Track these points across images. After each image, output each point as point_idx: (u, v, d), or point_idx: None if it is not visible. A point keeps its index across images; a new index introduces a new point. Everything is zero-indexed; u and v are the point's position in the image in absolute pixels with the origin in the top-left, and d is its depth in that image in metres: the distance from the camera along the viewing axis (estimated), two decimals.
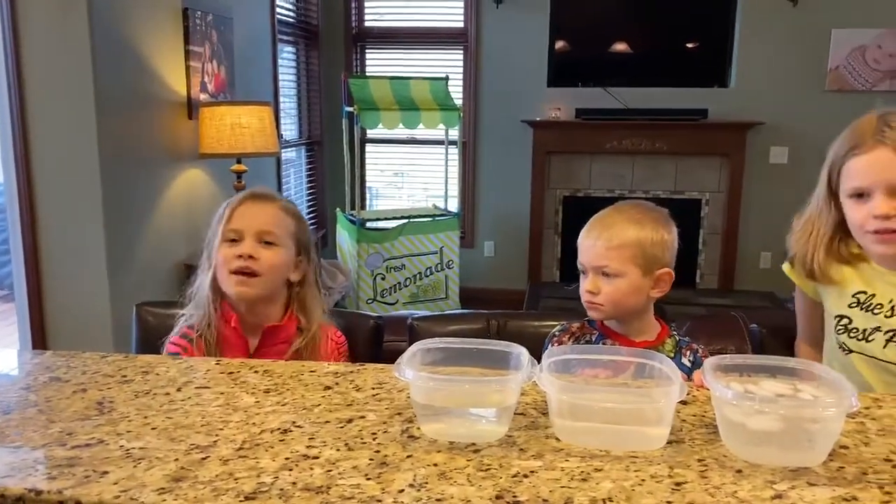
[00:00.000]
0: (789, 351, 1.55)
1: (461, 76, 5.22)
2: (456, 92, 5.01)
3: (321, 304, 1.49)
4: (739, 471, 0.84)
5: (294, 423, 0.96)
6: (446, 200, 4.91)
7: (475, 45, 5.13)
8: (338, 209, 4.76)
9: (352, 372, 1.15)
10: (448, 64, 5.26)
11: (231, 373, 1.15)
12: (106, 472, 0.83)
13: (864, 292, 1.36)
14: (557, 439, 0.91)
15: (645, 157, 5.03)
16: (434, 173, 5.34)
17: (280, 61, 4.49)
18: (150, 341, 1.54)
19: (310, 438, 0.91)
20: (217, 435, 0.92)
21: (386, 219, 4.73)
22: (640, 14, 5.09)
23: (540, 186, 5.14)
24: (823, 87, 4.83)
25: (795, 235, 1.44)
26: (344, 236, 4.58)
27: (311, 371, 1.15)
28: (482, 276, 5.30)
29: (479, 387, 0.92)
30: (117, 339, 2.81)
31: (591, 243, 1.34)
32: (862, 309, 1.37)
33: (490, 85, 5.17)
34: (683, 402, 1.02)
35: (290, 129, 4.92)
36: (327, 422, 0.96)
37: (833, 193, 1.35)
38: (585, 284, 1.35)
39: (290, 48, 4.87)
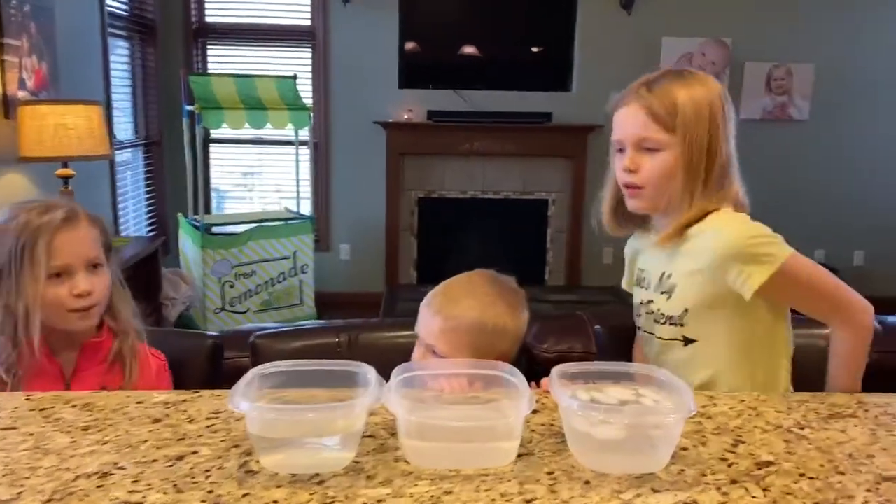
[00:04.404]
0: (630, 345, 1.59)
1: (310, 76, 5.10)
2: (305, 92, 4.88)
3: (130, 303, 1.37)
4: (587, 482, 0.84)
5: (116, 464, 0.86)
6: (298, 203, 4.77)
7: (323, 44, 5.02)
8: (180, 214, 4.49)
9: (185, 401, 1.05)
10: (296, 63, 5.11)
11: (43, 409, 1.02)
12: None
13: (643, 269, 1.40)
14: (407, 462, 0.88)
15: (495, 158, 5.13)
16: (286, 175, 5.18)
17: (112, 57, 4.16)
18: None
19: (133, 482, 0.82)
20: (22, 485, 0.81)
21: (234, 223, 4.52)
22: (487, 18, 5.18)
23: (395, 188, 5.12)
24: None
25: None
26: (187, 243, 4.33)
27: (138, 402, 1.05)
28: (339, 280, 5.20)
29: (323, 414, 0.86)
30: None
31: (430, 316, 1.27)
32: (640, 286, 1.40)
33: (341, 85, 5.08)
34: (533, 411, 1.01)
35: (124, 130, 4.58)
36: (154, 460, 0.87)
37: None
38: (416, 353, 1.29)
39: (123, 43, 4.54)
